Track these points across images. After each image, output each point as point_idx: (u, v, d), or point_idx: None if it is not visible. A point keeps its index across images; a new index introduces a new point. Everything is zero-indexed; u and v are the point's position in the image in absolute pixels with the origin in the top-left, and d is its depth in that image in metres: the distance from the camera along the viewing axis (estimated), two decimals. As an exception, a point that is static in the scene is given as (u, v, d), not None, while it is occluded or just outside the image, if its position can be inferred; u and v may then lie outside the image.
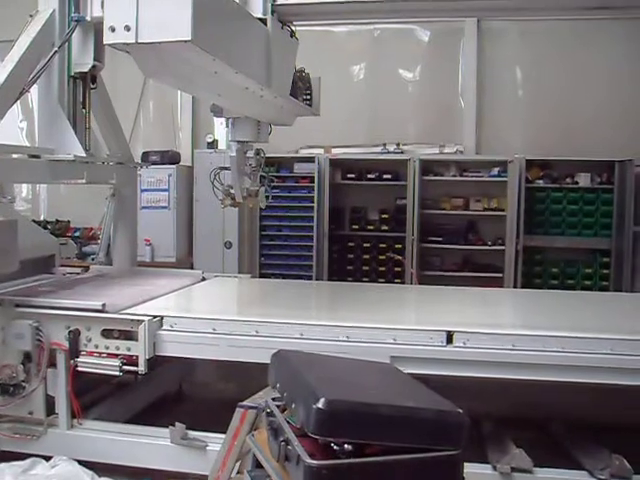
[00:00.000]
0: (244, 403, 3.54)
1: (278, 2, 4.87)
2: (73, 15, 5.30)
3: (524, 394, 4.83)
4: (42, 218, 11.31)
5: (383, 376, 3.16)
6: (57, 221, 10.96)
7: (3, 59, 5.03)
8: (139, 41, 3.51)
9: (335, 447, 2.44)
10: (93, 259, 8.40)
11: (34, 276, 5.82)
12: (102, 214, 6.90)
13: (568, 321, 4.92)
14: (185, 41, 3.44)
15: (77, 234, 10.62)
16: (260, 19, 4.70)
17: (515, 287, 9.16)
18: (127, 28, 3.51)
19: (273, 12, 4.83)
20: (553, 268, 9.65)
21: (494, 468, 4.19)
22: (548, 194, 9.54)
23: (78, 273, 6.43)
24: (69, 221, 11.01)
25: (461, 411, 2.57)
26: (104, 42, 3.67)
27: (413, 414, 2.52)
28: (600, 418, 4.93)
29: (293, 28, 5.21)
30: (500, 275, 9.48)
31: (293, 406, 2.66)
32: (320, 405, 2.42)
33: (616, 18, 8.74)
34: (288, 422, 2.69)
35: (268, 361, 3.28)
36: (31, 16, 5.26)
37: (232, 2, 4.39)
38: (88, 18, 5.25)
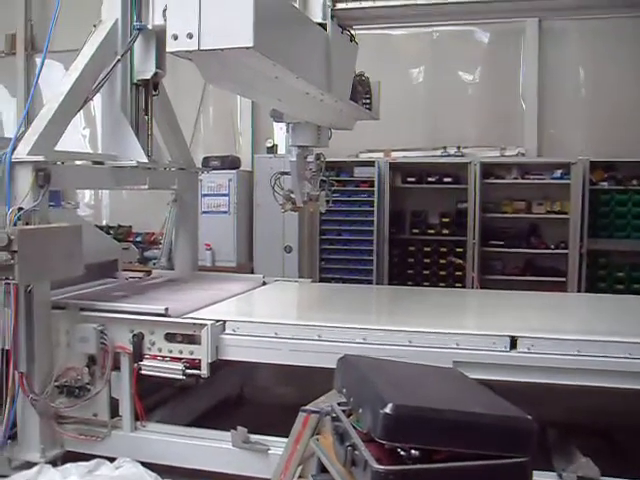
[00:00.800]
0: (307, 407, 3.54)
1: (337, 7, 4.88)
2: (135, 24, 5.38)
3: (589, 400, 4.74)
4: (104, 223, 11.52)
5: (449, 381, 3.13)
6: (119, 226, 11.17)
7: (68, 68, 5.13)
8: (201, 48, 3.55)
9: (402, 453, 2.42)
10: (154, 264, 8.49)
11: (98, 280, 5.92)
12: (163, 219, 6.99)
13: (635, 327, 4.80)
14: (247, 47, 3.47)
15: (139, 239, 10.79)
16: (320, 24, 4.72)
17: (579, 291, 8.99)
18: (190, 36, 3.55)
19: (333, 17, 4.84)
20: (618, 272, 9.43)
21: (560, 476, 4.10)
22: (613, 196, 9.33)
23: (140, 278, 6.51)
24: (131, 226, 11.20)
25: (530, 417, 2.53)
26: (167, 50, 3.71)
27: (481, 420, 2.49)
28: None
29: (353, 32, 5.22)
30: (563, 279, 9.31)
31: (360, 411, 2.65)
32: (387, 410, 2.41)
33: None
34: (354, 427, 2.68)
35: (330, 365, 3.27)
36: (95, 26, 5.36)
37: (292, 7, 4.41)
38: (149, 26, 5.32)
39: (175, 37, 3.62)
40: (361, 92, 5.63)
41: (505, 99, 10.19)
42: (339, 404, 2.94)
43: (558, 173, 9.46)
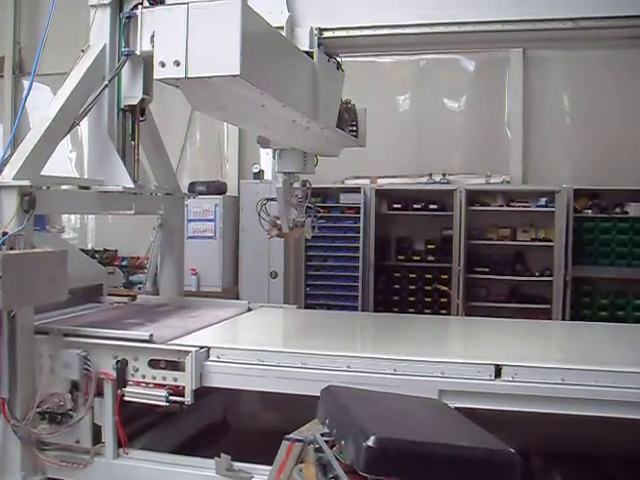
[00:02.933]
0: (290, 436, 3.52)
1: (324, 35, 4.93)
2: (123, 49, 5.39)
3: (574, 429, 4.72)
4: (90, 247, 11.48)
5: (433, 413, 3.12)
6: (105, 250, 11.13)
7: (56, 91, 5.13)
8: (188, 76, 3.58)
9: (385, 486, 2.41)
10: (140, 288, 8.47)
11: (82, 305, 5.88)
12: (149, 243, 6.97)
13: (619, 355, 4.82)
14: (234, 75, 3.50)
15: (124, 263, 10.77)
16: (307, 52, 4.77)
17: (563, 319, 9.03)
18: (177, 63, 3.58)
19: (320, 45, 4.90)
20: (602, 299, 9.49)
21: (544, 505, 4.11)
22: (597, 224, 9.42)
23: (125, 302, 6.47)
24: (116, 250, 11.17)
25: (513, 450, 2.52)
26: (154, 77, 3.74)
27: (465, 453, 2.48)
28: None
29: (339, 60, 5.26)
30: (548, 306, 9.36)
31: (343, 443, 2.64)
32: (370, 443, 2.40)
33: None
34: (337, 458, 2.66)
35: (315, 393, 3.26)
36: (83, 51, 5.37)
37: (279, 36, 4.44)
38: (137, 52, 5.31)
39: (162, 64, 3.64)
40: (347, 119, 5.66)
41: (490, 127, 10.29)
42: (322, 434, 2.93)
43: (543, 201, 9.54)
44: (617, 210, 9.41)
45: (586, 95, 9.87)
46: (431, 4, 4.95)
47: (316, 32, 4.88)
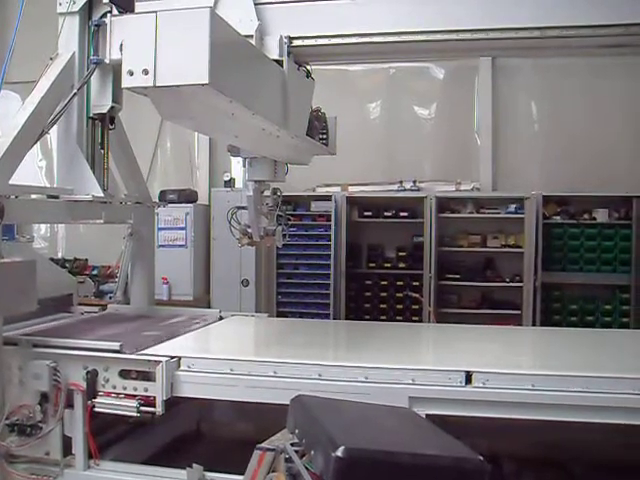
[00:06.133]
0: (262, 445, 3.51)
1: (294, 44, 4.94)
2: (92, 57, 5.35)
3: (545, 434, 4.75)
4: (60, 256, 11.40)
5: (402, 422, 3.12)
6: (75, 259, 11.06)
7: (24, 100, 5.09)
8: (157, 85, 3.56)
9: (354, 496, 2.41)
10: (110, 297, 8.40)
11: (52, 315, 5.82)
12: (120, 252, 6.93)
13: (588, 360, 4.86)
14: (202, 84, 3.49)
15: (95, 272, 10.69)
16: (276, 61, 4.77)
17: (534, 324, 9.11)
18: (145, 72, 3.57)
19: (289, 53, 4.90)
20: (572, 305, 9.60)
21: (515, 511, 4.12)
22: (565, 230, 9.53)
23: (96, 312, 6.42)
24: (87, 259, 11.08)
25: (482, 458, 2.53)
26: (123, 86, 3.72)
27: (434, 462, 2.48)
28: (622, 458, 4.84)
29: (309, 68, 5.27)
30: (518, 312, 9.44)
31: (312, 453, 2.63)
32: (339, 453, 2.39)
33: (633, 53, 8.75)
34: (307, 468, 2.66)
35: (286, 402, 3.25)
36: (51, 59, 5.33)
37: (248, 44, 4.45)
38: (107, 60, 5.28)
39: (131, 73, 3.63)
40: (317, 127, 5.67)
41: (460, 134, 10.37)
42: (292, 444, 2.92)
43: (512, 207, 9.64)
44: (585, 216, 9.53)
45: (554, 102, 9.98)
46: (400, 13, 4.97)
47: (285, 41, 4.89)
